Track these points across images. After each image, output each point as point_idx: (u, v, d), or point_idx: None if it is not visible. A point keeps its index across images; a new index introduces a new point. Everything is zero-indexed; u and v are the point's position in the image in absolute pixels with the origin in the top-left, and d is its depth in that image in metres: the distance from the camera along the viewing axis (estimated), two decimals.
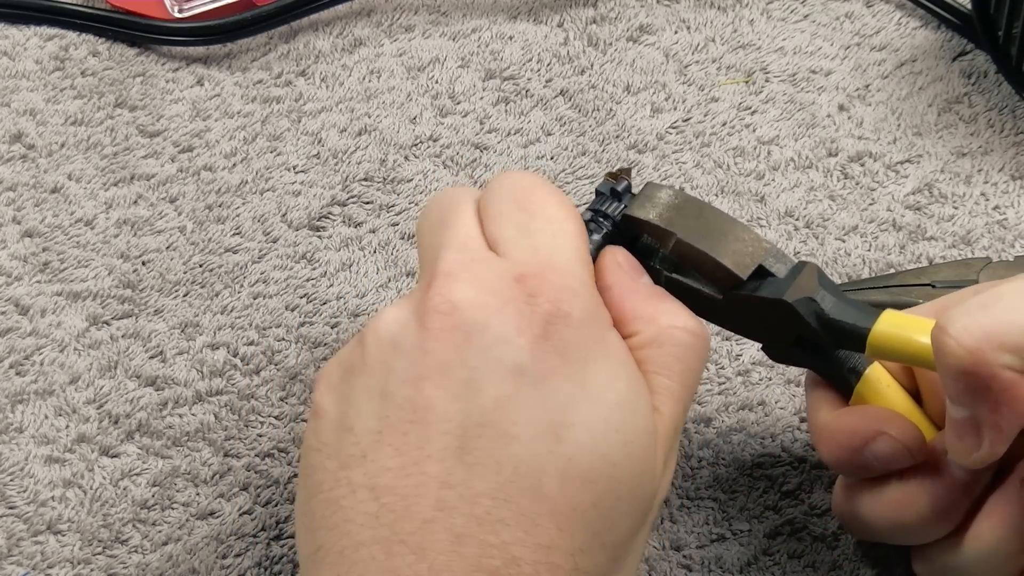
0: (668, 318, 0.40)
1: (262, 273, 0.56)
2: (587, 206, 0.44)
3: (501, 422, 0.36)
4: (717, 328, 0.53)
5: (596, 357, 0.37)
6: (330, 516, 0.36)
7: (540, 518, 0.35)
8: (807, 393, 0.45)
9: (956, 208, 0.56)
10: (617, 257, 0.42)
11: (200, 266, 0.56)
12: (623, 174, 0.44)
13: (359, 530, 0.36)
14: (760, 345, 0.44)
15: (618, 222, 0.43)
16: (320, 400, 0.39)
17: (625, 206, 0.43)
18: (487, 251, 0.39)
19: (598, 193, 0.44)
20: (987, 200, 0.56)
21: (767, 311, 0.41)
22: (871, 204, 0.56)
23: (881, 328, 0.39)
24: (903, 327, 0.39)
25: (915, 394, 0.43)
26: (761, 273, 0.41)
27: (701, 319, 0.41)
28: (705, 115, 0.59)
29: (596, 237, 0.43)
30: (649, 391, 0.39)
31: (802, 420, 0.50)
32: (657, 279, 0.44)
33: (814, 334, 0.41)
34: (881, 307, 0.50)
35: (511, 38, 0.63)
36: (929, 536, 0.42)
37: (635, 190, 0.44)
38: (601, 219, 0.43)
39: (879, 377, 0.42)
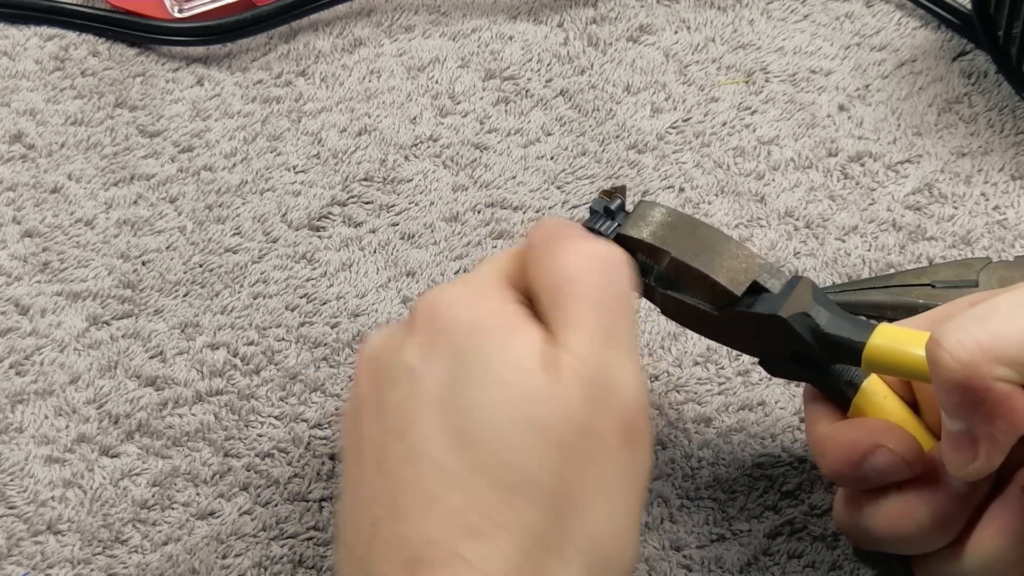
0: (575, 251, 0.40)
1: (262, 273, 0.56)
2: (581, 224, 0.44)
3: (403, 423, 0.38)
4: None
5: (470, 339, 0.38)
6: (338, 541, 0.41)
7: (443, 490, 0.36)
8: (805, 406, 0.45)
9: (956, 208, 0.56)
10: (537, 222, 0.42)
11: (200, 266, 0.56)
12: (617, 192, 0.44)
13: (341, 566, 0.39)
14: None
15: (611, 237, 0.43)
16: None
17: (619, 224, 0.43)
18: None
19: (592, 211, 0.44)
20: (987, 200, 0.56)
21: (763, 327, 0.41)
22: (871, 204, 0.56)
23: (876, 342, 0.39)
24: (898, 340, 0.39)
25: (912, 404, 0.43)
26: (756, 289, 0.41)
27: (614, 245, 0.41)
28: (705, 115, 0.59)
29: None
30: (546, 335, 0.38)
31: (802, 420, 0.50)
32: (652, 296, 0.44)
33: (809, 349, 0.41)
34: (882, 307, 0.51)
35: (511, 38, 0.63)
36: (930, 546, 0.41)
37: (629, 206, 0.44)
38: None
39: (876, 389, 0.42)
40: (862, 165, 0.57)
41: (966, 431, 0.37)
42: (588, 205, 0.44)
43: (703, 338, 0.52)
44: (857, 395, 0.42)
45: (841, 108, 0.59)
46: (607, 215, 0.43)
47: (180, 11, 0.63)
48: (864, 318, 0.42)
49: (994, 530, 0.40)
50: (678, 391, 0.51)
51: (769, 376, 0.51)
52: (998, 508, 0.40)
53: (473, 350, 0.38)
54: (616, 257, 0.40)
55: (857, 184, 0.57)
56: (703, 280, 0.41)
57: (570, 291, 0.39)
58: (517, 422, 0.36)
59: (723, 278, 0.41)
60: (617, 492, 0.38)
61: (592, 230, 0.43)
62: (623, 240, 0.43)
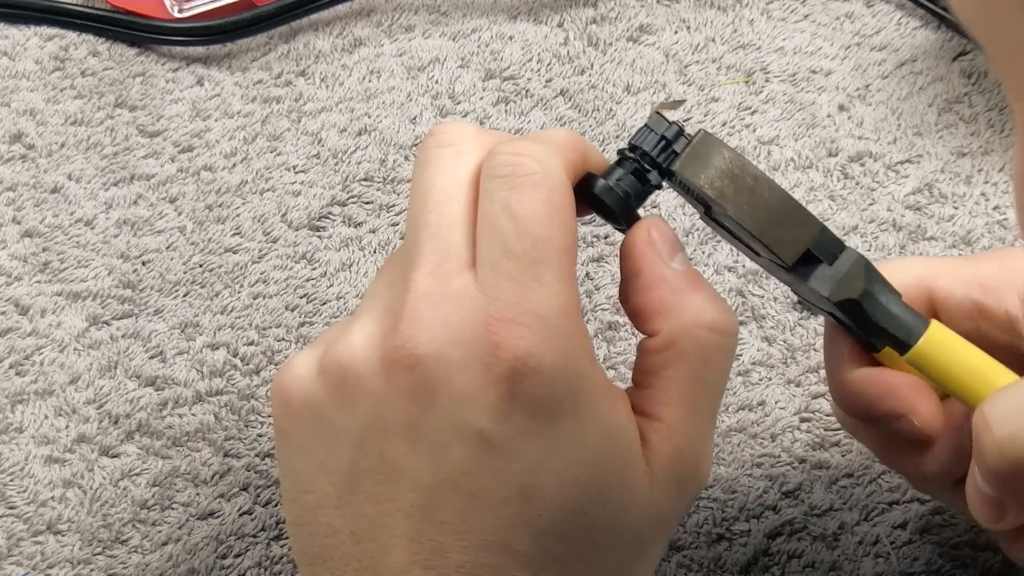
0: (693, 314, 0.37)
1: (262, 273, 0.56)
2: (630, 139, 0.40)
3: (468, 486, 0.34)
4: None
5: (565, 412, 0.35)
6: (317, 551, 0.37)
7: (513, 569, 0.34)
8: (829, 339, 0.42)
9: (956, 208, 0.56)
10: (652, 233, 0.38)
11: (200, 266, 0.56)
12: (675, 106, 0.40)
13: (344, 569, 0.36)
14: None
15: (665, 169, 0.39)
16: (286, 424, 0.37)
17: (675, 156, 0.39)
18: (463, 273, 0.35)
19: (648, 129, 0.39)
20: (987, 200, 0.56)
21: (810, 296, 0.41)
22: (871, 204, 0.56)
23: (925, 349, 0.39)
24: (950, 351, 0.38)
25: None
26: (808, 259, 0.39)
27: (729, 310, 0.38)
28: (705, 115, 0.59)
29: (626, 175, 0.39)
30: (648, 409, 0.36)
31: (802, 420, 0.50)
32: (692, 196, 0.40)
33: (853, 331, 0.40)
34: None
35: (511, 38, 0.63)
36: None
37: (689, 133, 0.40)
38: (644, 160, 0.39)
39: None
40: (862, 165, 0.57)
41: (998, 499, 0.36)
42: (630, 139, 0.40)
43: None
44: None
45: (841, 108, 0.59)
46: (662, 143, 0.39)
47: (180, 11, 0.63)
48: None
49: None
50: None
51: (769, 377, 0.51)
52: None
53: (568, 430, 0.35)
54: (735, 329, 0.38)
55: (857, 184, 0.57)
56: (753, 244, 0.39)
57: (695, 365, 0.36)
58: (603, 529, 0.35)
59: (775, 244, 0.39)
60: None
61: (645, 153, 0.39)
62: (678, 177, 0.39)
